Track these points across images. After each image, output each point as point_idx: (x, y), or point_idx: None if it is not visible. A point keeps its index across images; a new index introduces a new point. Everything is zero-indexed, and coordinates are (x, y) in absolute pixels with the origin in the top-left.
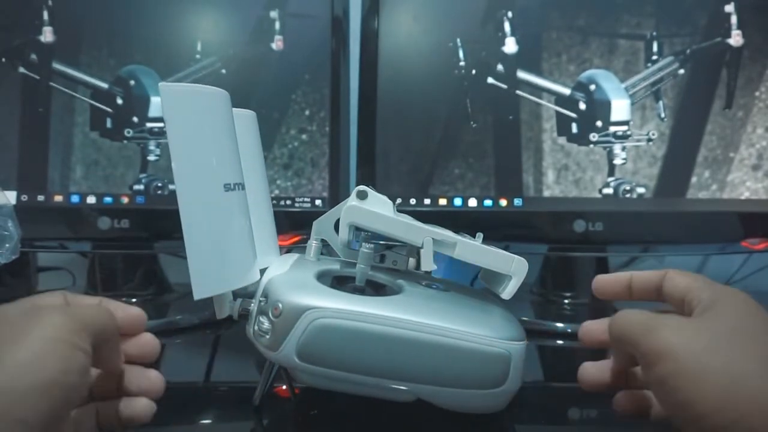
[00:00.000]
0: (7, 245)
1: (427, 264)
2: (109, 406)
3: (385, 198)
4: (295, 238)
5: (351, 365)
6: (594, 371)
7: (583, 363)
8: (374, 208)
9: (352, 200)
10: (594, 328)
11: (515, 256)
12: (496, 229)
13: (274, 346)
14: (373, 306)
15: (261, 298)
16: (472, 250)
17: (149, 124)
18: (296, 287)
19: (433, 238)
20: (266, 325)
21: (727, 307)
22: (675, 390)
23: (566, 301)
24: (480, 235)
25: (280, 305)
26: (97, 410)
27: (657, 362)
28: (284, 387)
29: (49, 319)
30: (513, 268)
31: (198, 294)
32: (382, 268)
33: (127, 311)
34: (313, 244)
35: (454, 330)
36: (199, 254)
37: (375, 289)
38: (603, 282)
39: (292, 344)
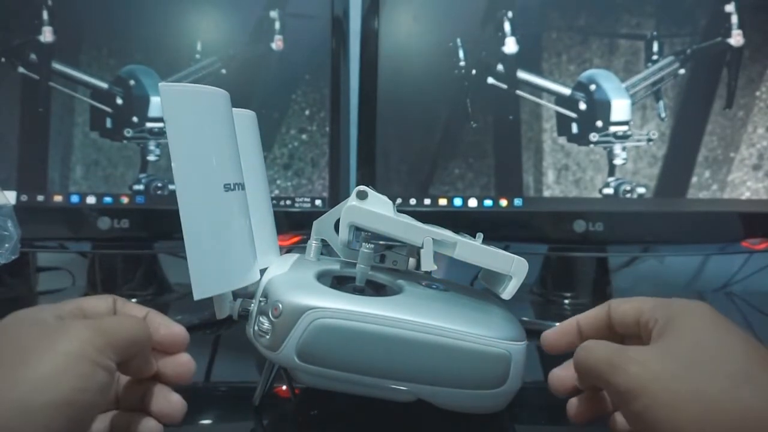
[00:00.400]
0: (6, 245)
1: (428, 264)
2: (125, 418)
3: (385, 198)
4: (295, 238)
5: (351, 365)
6: (563, 374)
7: (551, 370)
8: (374, 208)
9: (352, 200)
10: (563, 375)
11: (515, 256)
12: (496, 229)
13: (274, 346)
14: (373, 306)
15: (261, 299)
16: (472, 250)
17: (149, 124)
18: (296, 287)
19: (433, 238)
20: (266, 325)
21: (685, 324)
22: (653, 424)
23: (566, 301)
24: (480, 235)
25: (280, 305)
26: (112, 418)
27: (630, 401)
28: (284, 387)
29: (76, 333)
30: (513, 269)
31: (198, 294)
32: (382, 268)
33: (170, 329)
34: (313, 244)
35: (454, 330)
36: (199, 254)
37: (375, 289)
38: (550, 339)
39: (292, 344)
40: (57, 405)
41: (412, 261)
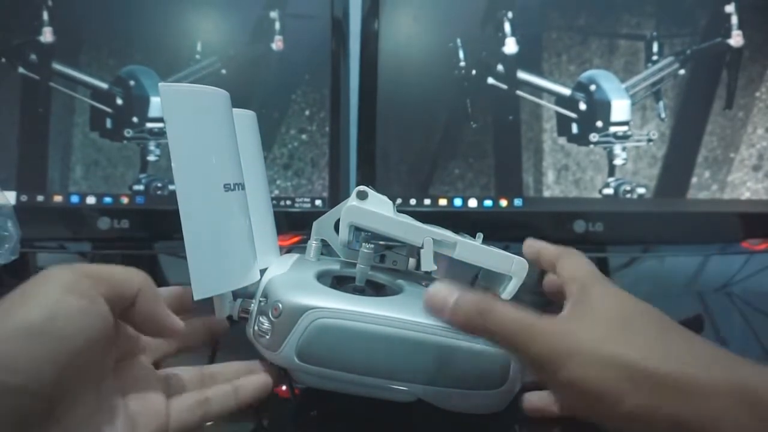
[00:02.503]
0: (6, 245)
1: (428, 264)
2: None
3: (385, 198)
4: (295, 238)
5: (351, 365)
6: (536, 400)
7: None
8: (374, 208)
9: (352, 200)
10: (535, 400)
11: (515, 256)
12: (496, 229)
13: (274, 347)
14: (373, 306)
15: (261, 299)
16: (472, 250)
17: (149, 125)
18: (296, 287)
19: (433, 239)
20: (266, 325)
21: (590, 293)
22: (582, 388)
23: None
24: (480, 236)
25: (280, 305)
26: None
27: (560, 366)
28: (284, 387)
29: (58, 270)
30: (513, 269)
31: (198, 294)
32: (382, 268)
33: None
34: (313, 244)
35: (454, 330)
36: (199, 254)
37: (375, 289)
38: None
39: (292, 344)
40: (28, 330)
41: (412, 261)
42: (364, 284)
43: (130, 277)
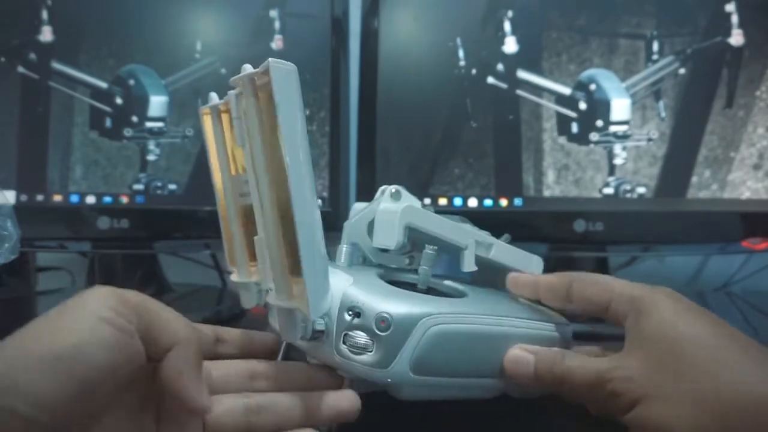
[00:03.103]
0: (6, 245)
1: (470, 265)
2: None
3: (415, 198)
4: None
5: (463, 369)
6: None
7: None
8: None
9: (386, 201)
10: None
11: (534, 255)
12: (496, 229)
13: (384, 362)
14: (470, 306)
15: (348, 313)
16: (505, 251)
17: (149, 124)
18: (393, 295)
19: (476, 240)
20: (364, 340)
21: (655, 319)
22: (657, 428)
23: None
24: (507, 236)
25: (388, 316)
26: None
27: (627, 410)
28: None
29: (96, 296)
30: (534, 267)
31: (315, 314)
32: (405, 269)
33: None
34: (344, 248)
35: (536, 321)
36: (313, 267)
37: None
38: (513, 283)
39: (406, 357)
40: (53, 359)
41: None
42: (426, 287)
43: (175, 326)
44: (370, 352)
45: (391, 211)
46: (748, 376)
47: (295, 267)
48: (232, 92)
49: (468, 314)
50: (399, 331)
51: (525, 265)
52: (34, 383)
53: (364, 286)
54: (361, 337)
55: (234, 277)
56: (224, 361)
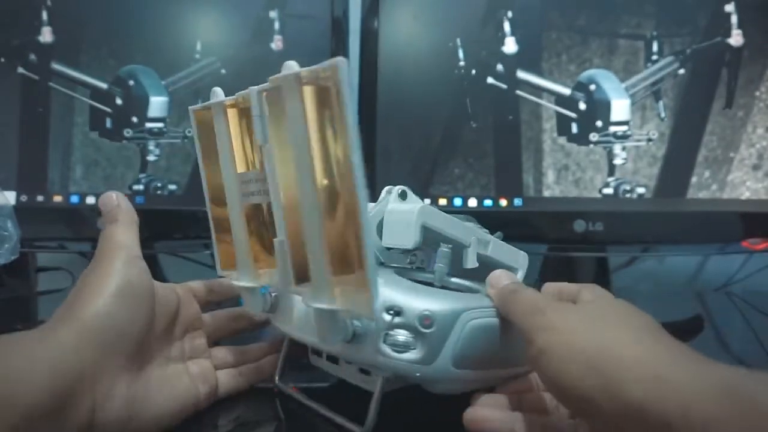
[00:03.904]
0: (6, 245)
1: (472, 262)
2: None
3: (418, 198)
4: None
5: (497, 361)
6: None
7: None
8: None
9: (393, 201)
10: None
11: (520, 251)
12: (496, 228)
13: (428, 359)
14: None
15: (388, 312)
16: (501, 247)
17: (148, 124)
18: (429, 294)
19: (477, 238)
20: (405, 338)
21: (603, 298)
22: (548, 362)
23: None
24: (500, 234)
25: (431, 314)
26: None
27: (536, 338)
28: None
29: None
30: (520, 262)
31: (378, 312)
32: (407, 269)
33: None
34: None
35: None
36: (375, 266)
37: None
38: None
39: (449, 352)
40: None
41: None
42: (441, 284)
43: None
44: (414, 349)
45: (405, 211)
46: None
47: (341, 267)
48: (254, 89)
49: (495, 307)
50: (442, 327)
51: (514, 260)
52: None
53: (396, 286)
54: (402, 335)
55: (238, 281)
56: (223, 347)
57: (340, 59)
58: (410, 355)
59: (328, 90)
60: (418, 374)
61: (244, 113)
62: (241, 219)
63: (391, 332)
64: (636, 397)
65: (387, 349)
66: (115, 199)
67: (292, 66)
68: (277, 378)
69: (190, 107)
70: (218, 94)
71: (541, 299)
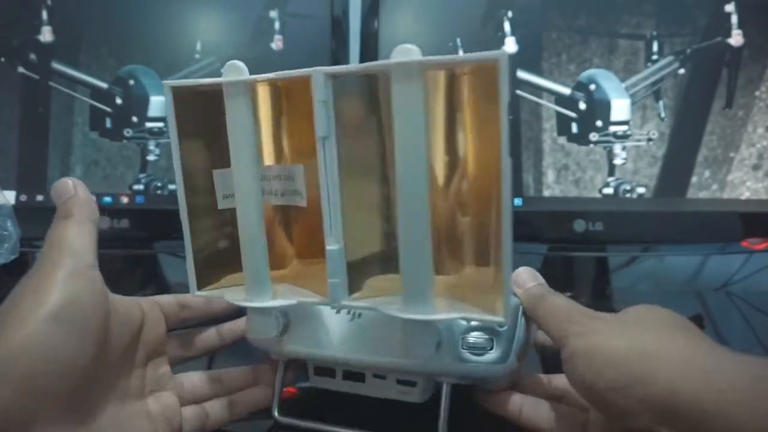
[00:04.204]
0: (6, 245)
1: None
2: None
3: None
4: None
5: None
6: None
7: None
8: None
9: None
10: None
11: None
12: None
13: (504, 357)
14: None
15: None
16: None
17: (149, 124)
18: None
19: None
20: (483, 340)
21: (643, 306)
22: (580, 365)
23: None
24: None
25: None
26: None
27: (568, 342)
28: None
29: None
30: None
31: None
32: None
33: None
34: None
35: None
36: (510, 270)
37: None
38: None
39: (516, 347)
40: (53, 316)
41: None
42: None
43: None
44: (491, 350)
45: None
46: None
47: (448, 269)
48: (319, 70)
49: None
50: (512, 323)
51: None
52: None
53: None
54: (480, 337)
55: (249, 302)
56: (190, 373)
57: (502, 52)
58: (489, 356)
59: (462, 81)
60: (498, 374)
61: (281, 97)
62: (260, 223)
63: (468, 336)
64: (667, 386)
65: (467, 354)
66: (71, 187)
67: (411, 51)
68: (276, 411)
69: (165, 82)
70: (242, 69)
71: (573, 307)
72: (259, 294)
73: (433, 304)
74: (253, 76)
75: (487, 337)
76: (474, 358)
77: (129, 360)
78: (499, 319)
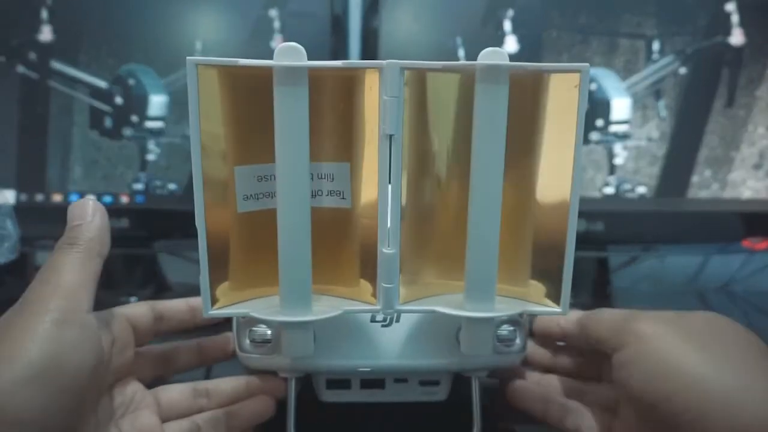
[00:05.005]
0: (5, 245)
1: None
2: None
3: None
4: None
5: None
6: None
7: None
8: None
9: None
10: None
11: None
12: None
13: (523, 346)
14: None
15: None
16: None
17: (148, 124)
18: None
19: None
20: (508, 332)
21: (704, 312)
22: (635, 375)
23: None
24: None
25: None
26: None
27: (631, 343)
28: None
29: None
30: None
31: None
32: None
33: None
34: None
35: None
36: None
37: None
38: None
39: (525, 335)
40: (31, 373)
41: None
42: None
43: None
44: (515, 340)
45: None
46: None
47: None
48: (394, 63)
49: None
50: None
51: None
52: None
53: None
54: (507, 330)
55: (289, 317)
56: (170, 386)
57: (585, 66)
58: (515, 347)
59: (537, 89)
60: (518, 362)
61: (344, 88)
62: (307, 228)
63: (500, 330)
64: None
65: (500, 347)
66: (89, 213)
67: (500, 54)
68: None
69: (189, 58)
70: (300, 53)
71: (626, 312)
72: (301, 307)
73: (495, 302)
74: (317, 63)
75: (512, 329)
76: (505, 349)
77: (95, 392)
78: (559, 310)
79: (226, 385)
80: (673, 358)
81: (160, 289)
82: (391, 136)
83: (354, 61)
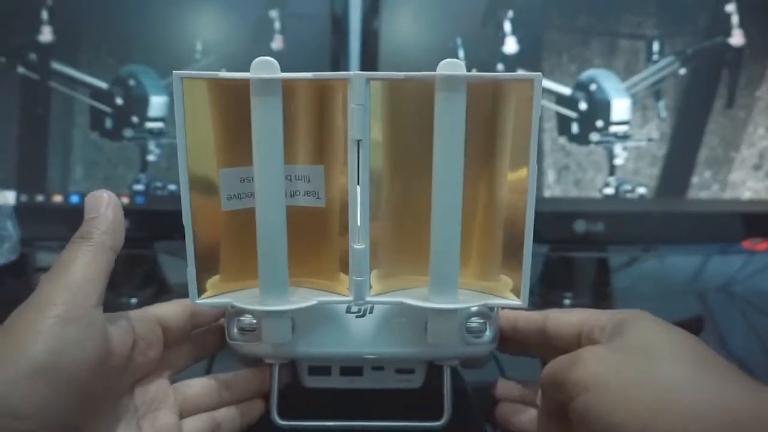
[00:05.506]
0: (6, 245)
1: None
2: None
3: None
4: None
5: None
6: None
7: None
8: None
9: None
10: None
11: None
12: None
13: (494, 338)
14: None
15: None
16: None
17: (149, 124)
18: None
19: None
20: (478, 324)
21: (637, 327)
22: (598, 417)
23: (566, 301)
24: None
25: None
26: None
27: (580, 392)
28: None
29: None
30: None
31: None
32: None
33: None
34: None
35: None
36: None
37: None
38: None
39: (496, 329)
40: (33, 369)
41: None
42: None
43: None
44: (486, 332)
45: None
46: (702, 392)
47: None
48: (359, 74)
49: None
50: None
51: None
52: (23, 397)
53: None
54: (477, 322)
55: (268, 305)
56: (192, 381)
57: (538, 75)
58: (485, 338)
59: (496, 98)
60: (488, 353)
61: (310, 98)
62: (282, 224)
63: (470, 321)
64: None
65: (470, 338)
66: (104, 205)
67: (457, 65)
68: (276, 414)
69: (176, 72)
70: (271, 64)
71: (570, 357)
72: (278, 297)
73: (458, 294)
74: (290, 75)
75: (482, 321)
76: (475, 340)
77: (114, 393)
78: (519, 302)
79: (244, 375)
80: (619, 410)
81: (161, 290)
82: (359, 141)
83: (323, 73)
